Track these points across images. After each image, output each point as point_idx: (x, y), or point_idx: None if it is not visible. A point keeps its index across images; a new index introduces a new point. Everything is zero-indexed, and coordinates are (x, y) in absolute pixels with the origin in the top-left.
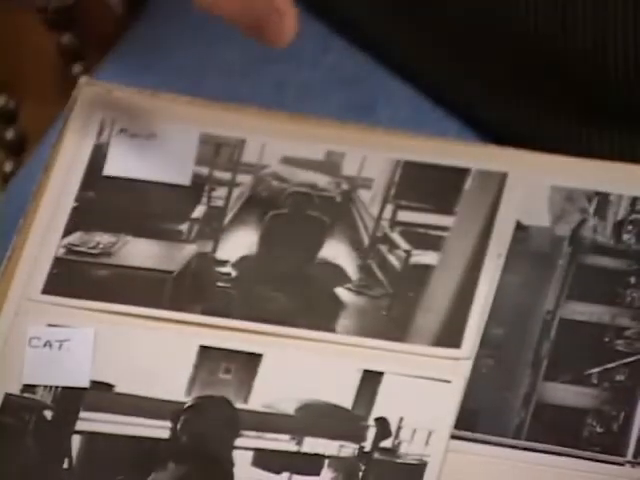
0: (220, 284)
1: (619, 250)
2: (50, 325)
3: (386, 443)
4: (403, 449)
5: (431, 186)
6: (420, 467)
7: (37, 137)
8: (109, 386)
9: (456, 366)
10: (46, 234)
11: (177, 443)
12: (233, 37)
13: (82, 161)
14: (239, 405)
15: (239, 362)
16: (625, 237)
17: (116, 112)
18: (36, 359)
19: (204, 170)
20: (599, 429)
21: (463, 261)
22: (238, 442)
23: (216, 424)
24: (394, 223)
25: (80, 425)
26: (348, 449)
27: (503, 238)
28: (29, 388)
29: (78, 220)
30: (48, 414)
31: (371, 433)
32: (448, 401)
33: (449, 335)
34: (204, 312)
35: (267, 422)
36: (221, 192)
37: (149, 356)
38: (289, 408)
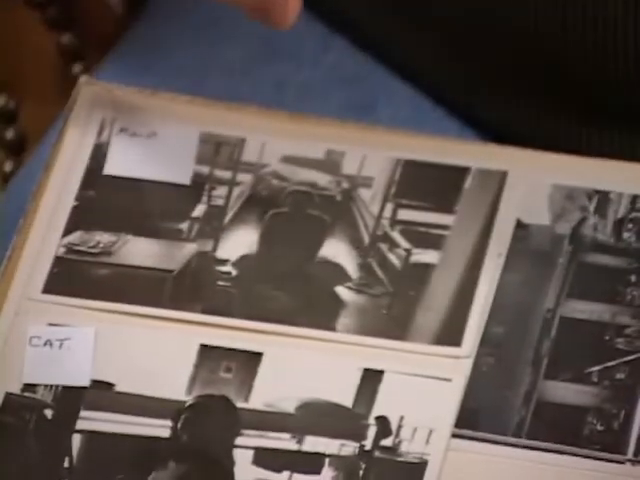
0: (220, 283)
1: (619, 248)
2: (50, 324)
3: (387, 442)
4: (404, 448)
5: (431, 185)
6: (421, 466)
7: (37, 137)
8: (109, 385)
9: (456, 364)
10: (46, 233)
11: (178, 442)
12: (233, 37)
13: (82, 160)
14: (240, 404)
15: (240, 361)
16: (625, 235)
17: (116, 111)
18: (36, 358)
19: (204, 169)
20: (599, 427)
21: (463, 260)
22: (239, 441)
23: (217, 423)
24: (394, 222)
25: (80, 424)
26: (349, 448)
27: (503, 237)
28: (29, 387)
29: (78, 219)
30: (48, 413)
31: (372, 432)
32: (448, 400)
33: (449, 333)
34: (204, 311)
35: (268, 421)
36: (221, 191)
37: (149, 355)
38: (290, 407)
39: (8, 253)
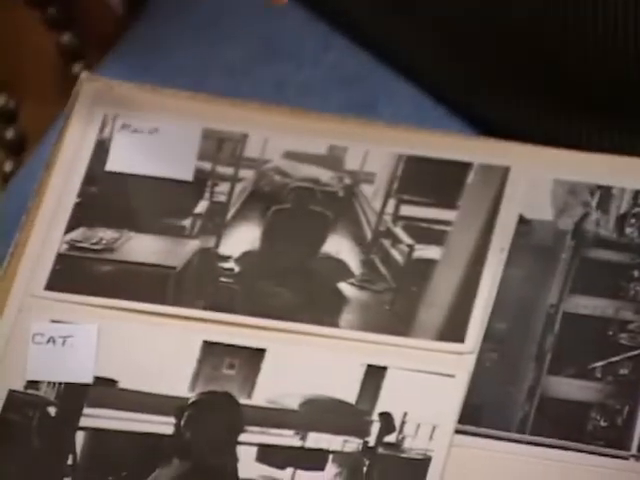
0: (223, 279)
1: (622, 243)
2: (53, 321)
3: (390, 438)
4: (407, 444)
5: (433, 180)
6: (424, 462)
7: (37, 137)
8: (113, 382)
9: (460, 360)
10: (49, 230)
11: (181, 439)
12: (233, 37)
13: (84, 157)
14: (243, 400)
15: (243, 357)
16: (628, 230)
17: (118, 108)
18: (40, 355)
19: (206, 165)
20: (603, 423)
21: (466, 255)
22: (242, 437)
23: (220, 420)
24: (397, 217)
25: (84, 421)
26: (352, 444)
27: (506, 232)
28: (33, 384)
29: (81, 216)
30: (52, 410)
31: (375, 428)
32: (452, 395)
33: (453, 329)
34: (207, 307)
35: (271, 417)
36: (224, 187)
37: (152, 352)
38: (293, 403)
39: (10, 250)
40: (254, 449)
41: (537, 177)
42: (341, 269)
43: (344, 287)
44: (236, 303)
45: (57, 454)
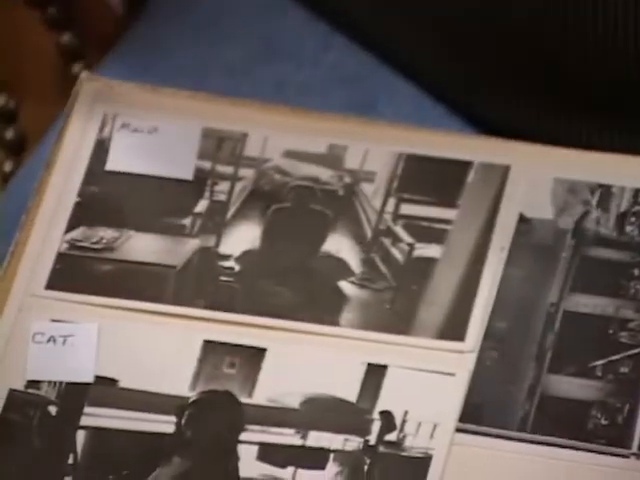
0: (223, 278)
1: (622, 242)
2: (54, 320)
3: (391, 436)
4: (408, 442)
5: (434, 179)
6: (425, 460)
7: (37, 137)
8: (113, 381)
9: (460, 359)
10: (49, 230)
11: (182, 438)
12: (233, 37)
13: (84, 156)
14: (243, 399)
15: (243, 356)
16: (628, 229)
17: (118, 107)
18: (40, 355)
19: (206, 164)
20: (604, 421)
21: (466, 254)
22: (243, 436)
23: (220, 419)
24: (397, 216)
25: (85, 420)
26: (353, 443)
27: (506, 231)
28: (33, 384)
29: (81, 215)
30: (52, 410)
31: (376, 427)
32: (452, 394)
33: (453, 328)
34: (207, 307)
35: (272, 416)
36: (223, 186)
37: (153, 351)
38: (294, 402)
39: (11, 249)
40: (255, 448)
41: (537, 176)
42: (341, 268)
43: (344, 286)
44: (236, 302)
45: (58, 453)
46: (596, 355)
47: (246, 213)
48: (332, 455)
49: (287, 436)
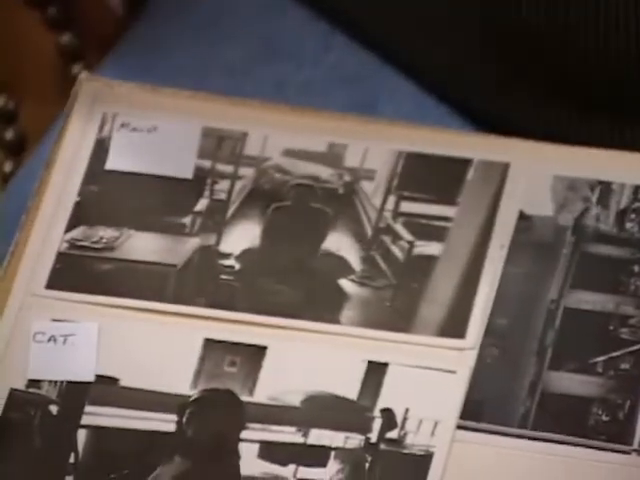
0: (224, 277)
1: (622, 238)
2: (54, 320)
3: (392, 434)
4: (409, 440)
5: (433, 177)
6: (426, 457)
7: (37, 137)
8: (114, 380)
9: (461, 356)
10: (49, 229)
11: (183, 436)
12: (233, 37)
13: (84, 156)
14: (244, 398)
15: (244, 355)
16: (628, 225)
17: (117, 106)
18: (41, 354)
19: (206, 163)
20: (605, 418)
21: (466, 252)
22: (244, 435)
23: (222, 417)
24: (397, 214)
25: (85, 419)
26: (354, 440)
27: (506, 228)
28: (34, 383)
29: (81, 215)
30: (53, 409)
31: (377, 424)
32: (453, 391)
33: (453, 325)
34: (208, 305)
35: (273, 414)
36: (223, 185)
37: (154, 350)
38: (294, 400)
39: (11, 249)
40: (256, 446)
41: (537, 173)
42: (341, 266)
43: (344, 284)
44: (237, 300)
45: (59, 452)
46: (597, 351)
47: (246, 212)
48: (333, 453)
49: (288, 434)
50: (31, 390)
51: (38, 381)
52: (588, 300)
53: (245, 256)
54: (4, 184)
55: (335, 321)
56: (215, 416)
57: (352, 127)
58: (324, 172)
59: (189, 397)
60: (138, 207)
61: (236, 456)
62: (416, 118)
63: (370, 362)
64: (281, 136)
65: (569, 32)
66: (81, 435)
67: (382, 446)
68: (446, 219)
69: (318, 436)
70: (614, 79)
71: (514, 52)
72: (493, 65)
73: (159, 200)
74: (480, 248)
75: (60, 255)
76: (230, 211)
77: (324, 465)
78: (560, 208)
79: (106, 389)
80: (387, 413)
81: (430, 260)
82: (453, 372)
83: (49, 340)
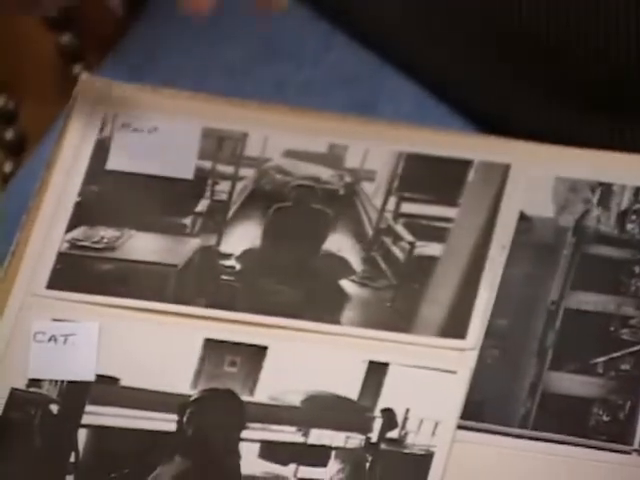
0: (224, 277)
1: (623, 240)
2: (55, 320)
3: (393, 434)
4: (410, 440)
5: (434, 178)
6: (427, 457)
7: (37, 137)
8: (114, 380)
9: (461, 357)
10: (50, 229)
11: (183, 436)
12: (233, 37)
13: (85, 156)
14: (245, 398)
15: (244, 355)
16: (629, 227)
17: (118, 107)
18: (41, 354)
19: (207, 164)
20: (605, 418)
21: (467, 252)
22: (244, 434)
23: (222, 416)
24: (398, 215)
25: (86, 419)
26: (355, 440)
27: (507, 229)
28: (35, 383)
29: (81, 215)
30: (54, 408)
31: (377, 424)
32: (454, 392)
33: (454, 326)
34: (208, 305)
35: (273, 414)
36: (224, 186)
37: (154, 350)
38: (295, 400)
39: (12, 249)
40: (257, 446)
41: (538, 174)
42: (342, 266)
43: (345, 284)
44: (237, 301)
45: (59, 452)
46: (597, 352)
47: (247, 212)
48: (334, 452)
49: (289, 434)
50: (32, 389)
51: (39, 380)
52: (589, 301)
53: (246, 257)
54: (4, 184)
55: (336, 321)
56: (215, 416)
57: (352, 128)
58: (325, 173)
59: (190, 397)
60: (139, 207)
61: (236, 456)
62: (416, 118)
63: (371, 362)
64: (282, 137)
65: (569, 32)
66: (82, 434)
67: (383, 446)
68: (447, 220)
69: (318, 436)
70: (614, 79)
71: (514, 52)
72: (493, 65)
73: (160, 200)
74: (481, 249)
75: (61, 255)
76: (231, 212)
77: (325, 465)
78: (561, 209)
79: (106, 388)
80: (388, 413)
81: (431, 261)
82: (454, 372)
83: (49, 340)
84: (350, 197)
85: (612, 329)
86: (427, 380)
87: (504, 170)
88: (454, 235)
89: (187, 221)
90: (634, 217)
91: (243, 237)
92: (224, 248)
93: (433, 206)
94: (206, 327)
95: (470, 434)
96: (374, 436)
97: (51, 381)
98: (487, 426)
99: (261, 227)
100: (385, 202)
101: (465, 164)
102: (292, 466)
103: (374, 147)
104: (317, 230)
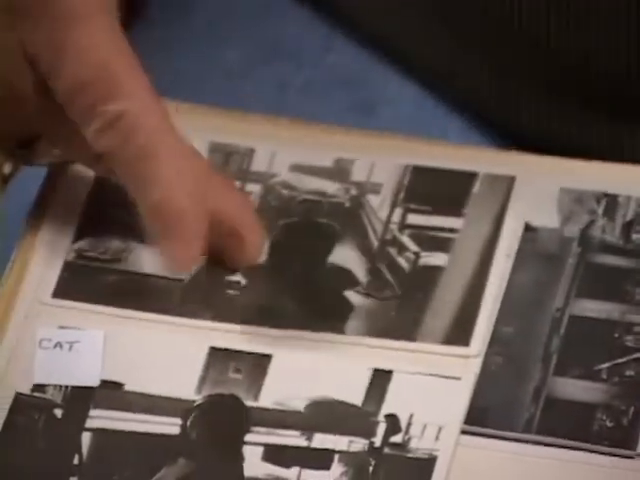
0: (230, 292)
1: (628, 249)
2: (61, 327)
3: (396, 438)
4: (413, 444)
5: (440, 190)
6: (430, 461)
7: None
8: (119, 385)
9: (466, 364)
10: (56, 239)
11: (187, 439)
12: (233, 38)
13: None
14: (249, 402)
15: (249, 362)
16: (634, 237)
17: None
18: (46, 360)
19: None
20: (609, 423)
21: (472, 262)
22: (248, 438)
23: (226, 420)
24: (403, 226)
25: (90, 422)
26: (358, 444)
27: (512, 239)
28: (39, 387)
29: (88, 225)
30: (58, 412)
31: (381, 429)
32: (458, 397)
33: (458, 333)
34: (214, 319)
35: (277, 418)
36: None
37: (159, 358)
38: (299, 405)
39: (13, 256)
40: (260, 449)
41: (543, 186)
42: (347, 278)
43: (350, 295)
44: (243, 315)
45: (63, 454)
46: (602, 358)
47: None
48: (337, 456)
49: (292, 437)
50: (36, 394)
51: (43, 385)
52: (593, 308)
53: (252, 271)
54: (4, 185)
55: (340, 331)
56: (219, 419)
57: (359, 142)
58: (331, 187)
59: (194, 402)
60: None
61: (240, 458)
62: (416, 119)
63: (375, 370)
64: (288, 152)
65: (569, 33)
66: (85, 437)
67: (386, 450)
68: (452, 230)
69: (322, 440)
70: (614, 79)
71: (514, 52)
72: (493, 66)
73: None
74: (486, 258)
75: (67, 264)
76: None
77: (328, 468)
78: (566, 220)
79: (111, 393)
80: (391, 418)
81: (436, 271)
82: (458, 379)
83: (55, 346)
84: (356, 210)
85: (616, 336)
86: (431, 386)
87: (509, 182)
88: (459, 245)
89: None
90: (639, 227)
91: None
92: None
93: (438, 217)
94: (211, 336)
95: (473, 439)
96: (377, 440)
97: (55, 386)
98: (491, 431)
99: (267, 242)
100: (391, 214)
101: (470, 176)
102: (295, 469)
103: (380, 160)
104: (323, 243)
